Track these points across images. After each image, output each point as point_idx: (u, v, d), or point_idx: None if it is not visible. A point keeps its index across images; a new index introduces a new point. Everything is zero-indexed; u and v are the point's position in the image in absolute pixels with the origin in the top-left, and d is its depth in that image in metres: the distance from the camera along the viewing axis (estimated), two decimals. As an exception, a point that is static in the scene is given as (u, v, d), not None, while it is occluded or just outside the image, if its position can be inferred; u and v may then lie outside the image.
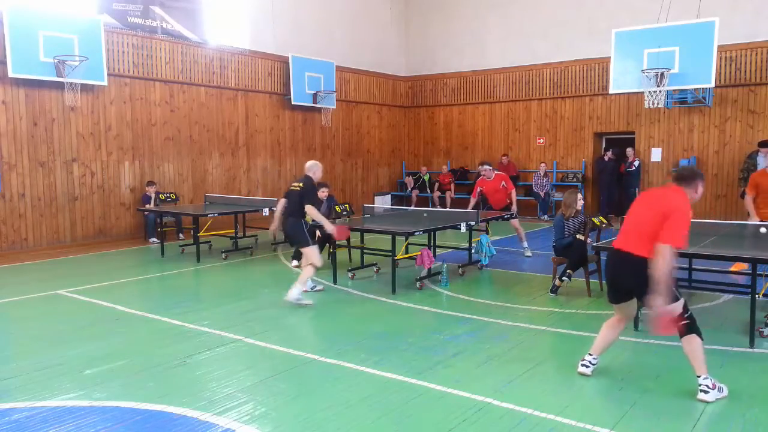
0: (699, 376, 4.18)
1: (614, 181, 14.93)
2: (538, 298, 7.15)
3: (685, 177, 4.32)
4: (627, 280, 4.32)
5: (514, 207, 9.93)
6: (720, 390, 4.20)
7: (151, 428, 3.79)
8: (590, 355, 4.67)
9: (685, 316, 4.15)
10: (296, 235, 7.09)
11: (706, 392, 4.13)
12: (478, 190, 10.08)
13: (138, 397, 4.27)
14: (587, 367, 4.64)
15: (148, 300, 7.45)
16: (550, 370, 4.91)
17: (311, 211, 6.84)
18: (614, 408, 4.05)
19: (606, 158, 14.94)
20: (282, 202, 7.47)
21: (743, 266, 7.68)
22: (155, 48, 12.45)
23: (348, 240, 9.41)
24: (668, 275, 3.91)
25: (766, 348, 5.27)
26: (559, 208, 7.67)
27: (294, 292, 6.75)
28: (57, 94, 10.97)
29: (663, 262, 3.90)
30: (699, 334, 4.19)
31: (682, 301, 4.17)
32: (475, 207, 9.81)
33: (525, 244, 10.06)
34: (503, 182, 9.99)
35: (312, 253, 6.95)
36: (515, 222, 9.84)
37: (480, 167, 10.22)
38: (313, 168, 7.04)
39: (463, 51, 17.48)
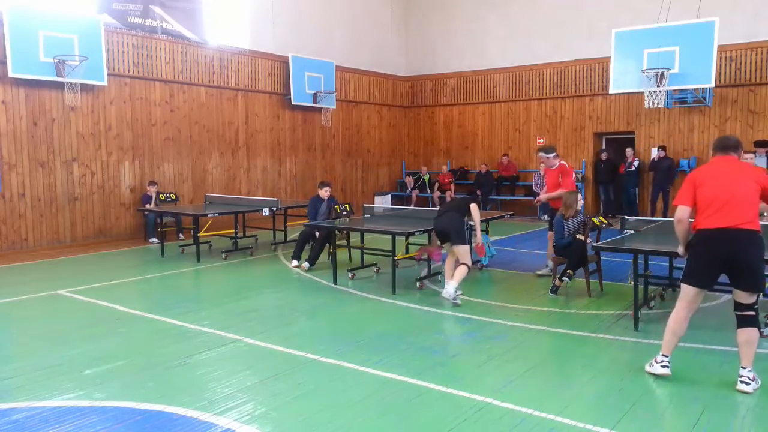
0: (745, 368, 4.28)
1: (611, 181, 14.95)
2: (538, 298, 7.15)
3: (737, 146, 4.45)
4: (753, 258, 4.20)
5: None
6: (757, 381, 4.29)
7: (151, 428, 3.79)
8: (665, 357, 4.53)
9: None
10: (456, 231, 6.93)
11: (747, 383, 4.24)
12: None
13: (138, 397, 4.27)
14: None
15: (148, 300, 7.45)
16: (550, 370, 4.90)
17: (476, 210, 7.04)
18: (614, 408, 4.04)
19: (603, 158, 14.98)
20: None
21: None
22: (155, 48, 12.45)
23: (348, 240, 9.42)
24: None
25: (766, 348, 5.27)
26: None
27: (450, 290, 6.70)
28: (57, 94, 10.97)
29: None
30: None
31: None
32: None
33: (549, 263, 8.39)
34: (560, 175, 8.18)
35: (467, 253, 6.89)
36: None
37: (540, 154, 8.52)
38: None
39: (463, 51, 17.49)
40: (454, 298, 6.70)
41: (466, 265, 6.83)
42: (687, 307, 4.44)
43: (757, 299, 4.27)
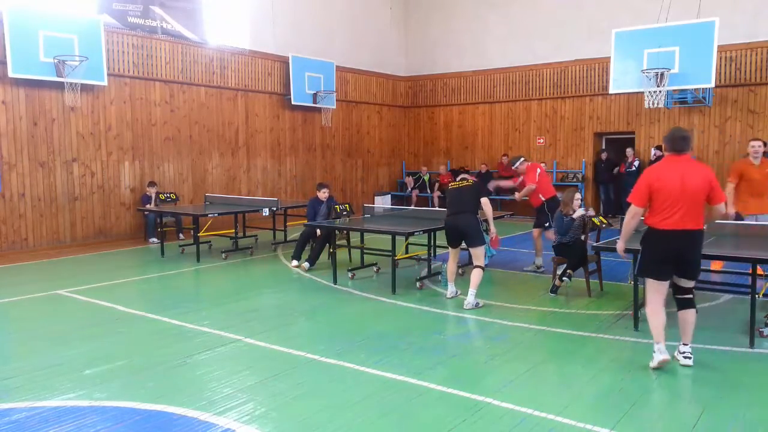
0: (686, 345, 4.83)
1: (611, 181, 14.95)
2: (538, 298, 7.15)
3: (687, 142, 4.77)
4: (698, 253, 4.77)
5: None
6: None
7: (151, 428, 3.79)
8: (658, 344, 4.75)
9: None
10: (475, 232, 6.84)
11: (689, 358, 4.79)
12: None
13: (138, 397, 4.27)
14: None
15: (148, 300, 7.45)
16: (550, 370, 4.91)
17: (488, 204, 7.01)
18: (614, 408, 4.04)
19: (603, 158, 14.98)
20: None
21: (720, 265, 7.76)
22: (155, 48, 12.45)
23: (348, 240, 9.42)
24: None
25: (766, 348, 5.27)
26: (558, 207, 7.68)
27: (470, 299, 6.63)
28: (57, 94, 10.97)
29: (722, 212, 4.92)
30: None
31: None
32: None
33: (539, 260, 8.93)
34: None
35: (482, 254, 6.84)
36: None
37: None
38: None
39: (463, 51, 17.48)
40: (477, 304, 6.67)
41: (481, 267, 6.80)
42: (657, 297, 4.80)
43: (694, 285, 4.90)
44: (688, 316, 4.84)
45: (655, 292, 4.79)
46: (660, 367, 4.70)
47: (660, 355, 4.68)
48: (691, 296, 4.86)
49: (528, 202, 8.97)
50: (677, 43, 11.70)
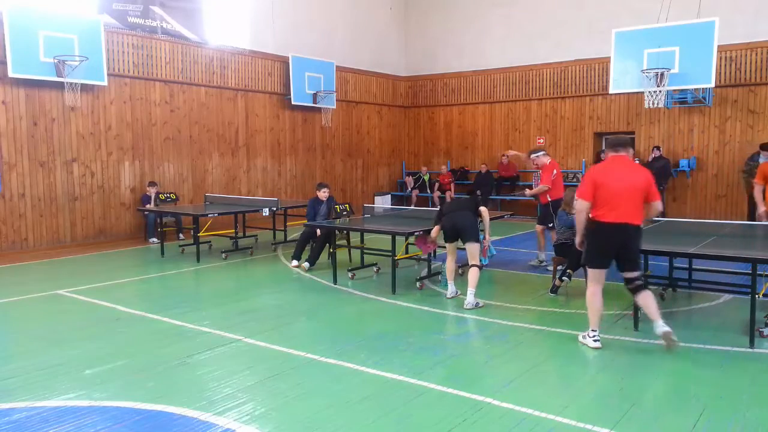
0: (658, 321, 5.07)
1: None
2: (538, 298, 7.15)
3: (626, 143, 5.41)
4: (637, 246, 5.26)
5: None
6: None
7: (151, 428, 3.79)
8: (594, 331, 5.25)
9: None
10: (472, 228, 6.88)
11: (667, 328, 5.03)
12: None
13: (138, 397, 4.27)
14: (599, 340, 5.24)
15: (148, 300, 7.44)
16: (550, 370, 4.91)
17: (486, 212, 7.12)
18: (614, 408, 4.04)
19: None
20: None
21: None
22: (155, 48, 12.45)
23: (348, 240, 9.42)
24: None
25: (766, 348, 5.27)
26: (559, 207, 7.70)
27: (470, 299, 6.64)
28: (57, 94, 10.97)
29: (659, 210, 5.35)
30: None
31: None
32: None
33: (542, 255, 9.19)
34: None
35: (477, 252, 6.85)
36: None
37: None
38: None
39: (463, 51, 17.48)
40: (477, 304, 6.67)
41: (477, 266, 6.80)
42: (597, 286, 5.29)
43: (639, 273, 5.29)
44: (646, 298, 5.21)
45: (596, 280, 5.29)
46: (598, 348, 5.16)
47: (596, 343, 5.18)
48: (640, 282, 5.27)
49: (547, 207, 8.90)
50: (677, 43, 11.70)
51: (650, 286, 6.59)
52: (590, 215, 5.25)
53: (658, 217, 6.26)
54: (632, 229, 5.15)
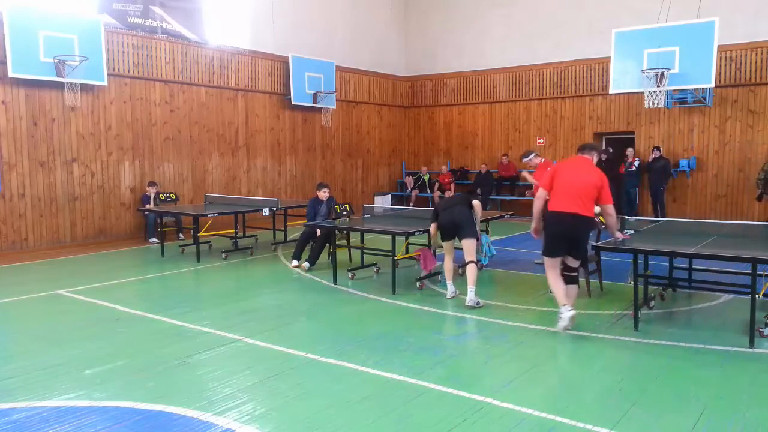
0: (566, 305, 5.60)
1: (611, 181, 14.91)
2: (538, 298, 7.15)
3: (592, 148, 6.13)
4: (585, 236, 5.90)
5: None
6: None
7: (151, 428, 3.79)
8: (564, 305, 5.60)
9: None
10: (468, 223, 6.92)
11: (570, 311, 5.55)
12: None
13: (138, 397, 4.27)
14: (572, 310, 5.61)
15: (148, 300, 7.44)
16: (550, 370, 4.91)
17: (479, 206, 7.19)
18: (614, 408, 4.04)
19: (604, 158, 14.97)
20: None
21: None
22: (155, 48, 12.45)
23: (348, 240, 9.41)
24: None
25: (766, 348, 5.27)
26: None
27: (471, 296, 6.64)
28: (57, 94, 10.97)
29: (614, 218, 5.81)
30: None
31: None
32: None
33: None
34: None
35: (473, 248, 6.86)
36: None
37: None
38: None
39: (463, 51, 17.48)
40: (477, 303, 6.67)
41: (474, 262, 6.81)
42: (554, 271, 5.80)
43: (579, 264, 5.89)
44: (571, 291, 5.82)
45: (551, 267, 5.81)
46: (569, 327, 5.53)
47: (570, 312, 5.55)
48: (575, 274, 5.88)
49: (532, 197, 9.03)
50: (677, 43, 11.70)
51: (650, 286, 6.63)
52: (547, 206, 5.85)
53: (636, 228, 6.98)
54: (579, 218, 5.62)
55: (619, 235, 6.00)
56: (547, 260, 5.83)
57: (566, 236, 5.68)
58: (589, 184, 5.67)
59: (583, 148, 6.08)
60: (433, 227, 7.20)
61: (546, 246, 5.85)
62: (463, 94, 17.60)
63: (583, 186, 5.67)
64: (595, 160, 6.03)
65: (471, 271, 6.74)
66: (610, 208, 5.74)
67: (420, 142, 18.70)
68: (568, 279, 5.82)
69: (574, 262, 5.81)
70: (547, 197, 5.87)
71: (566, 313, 5.52)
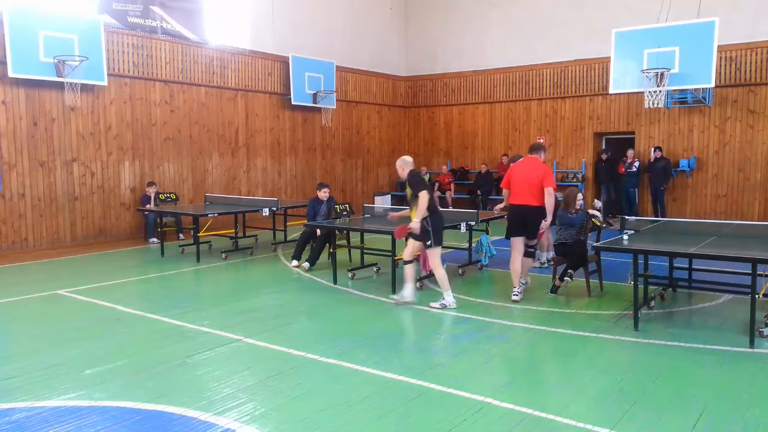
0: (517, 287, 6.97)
1: (611, 181, 14.96)
2: (538, 298, 7.15)
3: (538, 148, 7.22)
4: (535, 221, 6.97)
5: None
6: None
7: (151, 428, 3.79)
8: (516, 288, 6.91)
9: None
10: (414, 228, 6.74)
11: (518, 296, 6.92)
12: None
13: (138, 397, 4.27)
14: (518, 295, 6.90)
15: (148, 300, 7.44)
16: (550, 370, 4.91)
17: (423, 199, 6.47)
18: (614, 408, 4.05)
19: (604, 158, 15.00)
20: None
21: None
22: (155, 48, 12.45)
23: (348, 240, 9.41)
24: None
25: (766, 348, 5.27)
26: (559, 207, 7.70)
27: (448, 299, 6.64)
28: (57, 94, 10.97)
29: (552, 200, 6.91)
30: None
31: None
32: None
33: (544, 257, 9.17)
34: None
35: (434, 255, 6.77)
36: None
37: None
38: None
39: (463, 51, 17.48)
40: (444, 305, 6.63)
41: (437, 271, 6.75)
42: (516, 253, 7.01)
43: (534, 243, 7.28)
44: (527, 261, 7.18)
45: (515, 248, 7.03)
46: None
47: (517, 296, 6.86)
48: (532, 250, 7.29)
49: None
50: (677, 43, 11.70)
51: (650, 286, 6.63)
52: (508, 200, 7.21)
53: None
54: (529, 208, 6.90)
55: (547, 222, 7.03)
56: (511, 241, 7.08)
57: (521, 222, 6.97)
58: (533, 180, 6.87)
59: (531, 149, 7.21)
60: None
61: (507, 230, 7.13)
62: (463, 94, 17.60)
63: (531, 181, 6.88)
64: (542, 158, 7.12)
65: (436, 277, 6.75)
66: (549, 191, 6.82)
67: (420, 142, 18.70)
68: (527, 253, 7.14)
69: (530, 242, 7.15)
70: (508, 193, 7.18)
71: (514, 297, 6.90)
